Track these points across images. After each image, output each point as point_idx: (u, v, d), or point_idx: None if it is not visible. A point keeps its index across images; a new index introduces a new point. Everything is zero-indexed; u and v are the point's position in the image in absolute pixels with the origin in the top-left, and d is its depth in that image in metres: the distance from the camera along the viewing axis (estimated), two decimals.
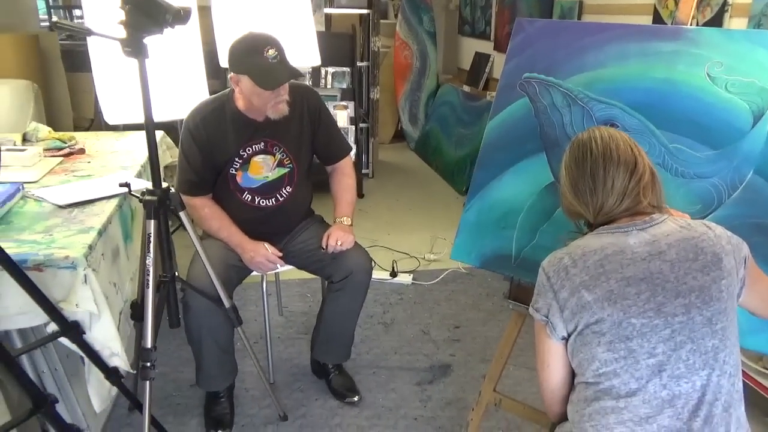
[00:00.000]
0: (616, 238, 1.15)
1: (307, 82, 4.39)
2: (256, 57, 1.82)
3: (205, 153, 1.99)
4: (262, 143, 2.03)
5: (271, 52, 1.83)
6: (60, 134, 2.42)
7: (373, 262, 3.20)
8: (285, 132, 2.04)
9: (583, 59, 1.76)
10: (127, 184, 1.61)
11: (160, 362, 2.28)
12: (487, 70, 5.32)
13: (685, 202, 1.58)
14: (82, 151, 2.37)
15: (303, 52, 3.18)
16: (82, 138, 2.53)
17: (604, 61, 1.73)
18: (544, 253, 1.34)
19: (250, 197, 2.06)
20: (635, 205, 1.18)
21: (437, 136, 5.50)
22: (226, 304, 1.85)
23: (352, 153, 4.41)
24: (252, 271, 2.12)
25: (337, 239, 2.05)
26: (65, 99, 3.61)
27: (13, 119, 2.77)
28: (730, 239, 1.15)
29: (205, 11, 3.08)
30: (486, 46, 5.50)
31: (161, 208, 1.62)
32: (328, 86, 4.54)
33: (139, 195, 1.62)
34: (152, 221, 1.60)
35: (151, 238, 1.59)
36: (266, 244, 2.06)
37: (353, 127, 4.47)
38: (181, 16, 1.48)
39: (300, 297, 3.00)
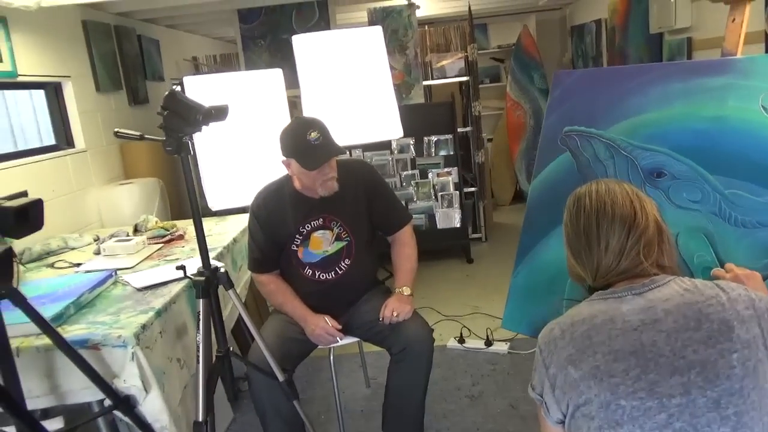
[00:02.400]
0: (609, 305, 1.01)
1: (411, 153, 4.50)
2: (301, 140, 1.94)
3: (267, 231, 2.12)
4: (321, 219, 2.12)
5: (314, 134, 1.94)
6: (164, 223, 2.74)
7: (467, 332, 3.14)
8: (341, 207, 2.11)
9: (625, 106, 1.63)
10: (182, 267, 1.77)
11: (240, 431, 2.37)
12: None
13: (749, 256, 1.35)
14: (181, 236, 2.66)
15: (386, 126, 3.30)
16: (184, 225, 2.84)
17: (647, 105, 1.59)
18: None
19: (311, 272, 2.14)
20: (635, 266, 1.03)
21: None
22: (280, 377, 1.91)
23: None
24: (317, 344, 2.17)
25: (393, 310, 2.04)
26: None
27: (140, 213, 3.19)
28: (752, 303, 0.94)
29: (295, 101, 3.36)
30: None
31: (209, 287, 1.74)
32: (432, 155, 4.61)
33: (190, 276, 1.76)
34: (201, 300, 1.72)
35: (201, 316, 1.71)
36: (327, 318, 2.10)
37: (457, 192, 4.46)
38: (212, 115, 1.64)
39: None
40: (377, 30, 3.39)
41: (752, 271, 1.21)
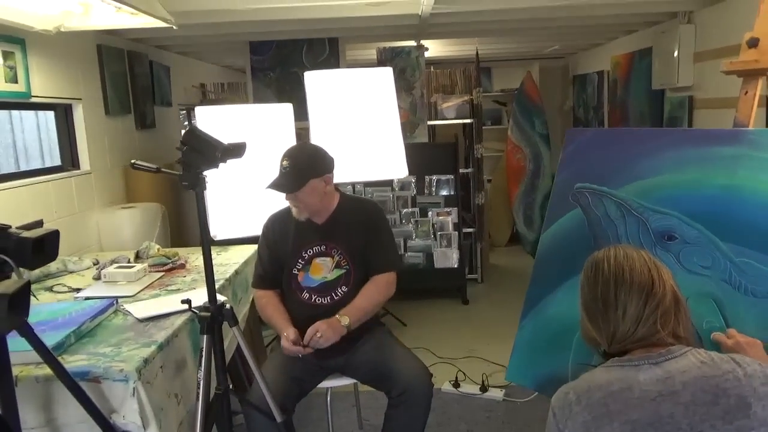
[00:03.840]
0: (625, 373, 1.02)
1: (412, 190, 4.53)
2: (279, 162, 2.05)
3: (272, 250, 2.18)
4: (324, 246, 2.14)
5: (285, 162, 2.04)
6: (166, 251, 2.73)
7: (462, 376, 3.12)
8: (344, 236, 2.15)
9: (638, 167, 1.66)
10: (188, 301, 1.76)
11: None
12: None
13: (757, 326, 1.36)
14: (182, 266, 2.64)
15: (392, 165, 3.33)
16: (186, 253, 2.82)
17: (660, 168, 1.62)
18: None
19: (308, 295, 2.14)
20: (652, 335, 1.04)
21: None
22: (278, 418, 1.88)
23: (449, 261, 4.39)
24: (316, 385, 2.15)
25: (318, 330, 1.96)
26: (193, 217, 4.08)
27: (140, 238, 3.18)
28: None
29: (304, 133, 3.40)
30: None
31: (214, 323, 1.73)
32: (433, 194, 4.65)
33: (195, 311, 1.75)
34: (205, 336, 1.71)
35: (203, 353, 1.70)
36: (294, 330, 2.05)
37: (456, 232, 4.48)
38: (231, 151, 1.66)
39: (383, 409, 2.92)
40: (388, 71, 3.46)
41: (754, 339, 1.23)
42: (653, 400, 0.97)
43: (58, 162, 3.31)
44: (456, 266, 4.46)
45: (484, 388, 3.03)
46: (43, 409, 1.58)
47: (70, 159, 3.31)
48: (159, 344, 1.75)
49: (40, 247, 1.29)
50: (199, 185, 1.66)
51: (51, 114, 3.28)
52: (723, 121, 3.43)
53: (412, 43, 4.70)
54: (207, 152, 1.61)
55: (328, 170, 2.12)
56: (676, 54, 3.72)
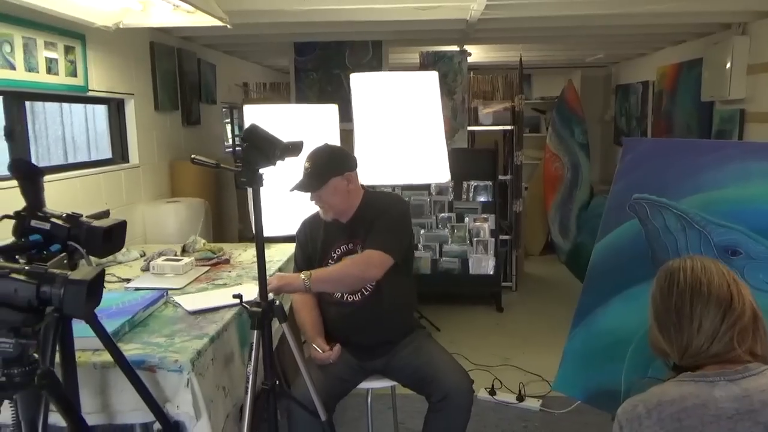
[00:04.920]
0: (699, 389, 0.99)
1: (449, 195, 4.52)
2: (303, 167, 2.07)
3: (305, 252, 2.22)
4: (351, 244, 2.15)
5: (306, 164, 2.05)
6: (212, 246, 2.77)
7: (498, 384, 3.09)
8: (367, 231, 2.11)
9: (699, 179, 1.63)
10: (239, 296, 1.79)
11: None
12: None
13: None
14: (227, 261, 2.68)
15: (434, 169, 3.33)
16: (231, 249, 2.87)
17: (723, 181, 1.58)
18: None
19: (339, 295, 2.15)
20: (727, 351, 1.01)
21: (589, 249, 5.19)
22: (322, 417, 1.89)
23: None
24: (357, 384, 2.16)
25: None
26: (233, 213, 4.14)
27: (185, 232, 3.24)
28: None
29: (348, 134, 3.42)
30: None
31: (265, 319, 1.75)
32: (470, 199, 4.63)
33: (247, 307, 1.77)
34: (256, 331, 1.73)
35: (254, 347, 1.72)
36: (321, 340, 2.09)
37: (493, 239, 4.45)
38: (290, 150, 1.68)
39: (419, 413, 2.88)
40: (433, 75, 3.46)
41: None
42: (730, 418, 0.94)
43: (103, 155, 3.39)
44: (492, 273, 4.42)
45: (520, 398, 2.99)
46: (99, 394, 1.62)
47: (120, 152, 3.39)
48: (211, 337, 1.78)
49: (109, 237, 1.32)
50: (256, 182, 1.69)
51: (99, 108, 3.37)
52: None
53: (455, 48, 4.69)
54: (267, 150, 1.64)
55: (350, 168, 2.12)
56: (728, 65, 3.64)
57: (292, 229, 2.82)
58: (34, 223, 1.27)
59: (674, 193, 1.66)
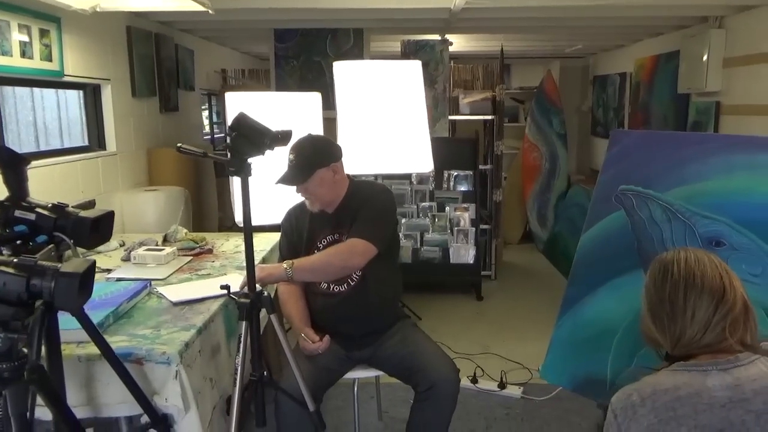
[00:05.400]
0: (693, 378, 1.02)
1: (430, 185, 4.53)
2: (287, 159, 2.04)
3: (291, 243, 2.20)
4: (336, 234, 2.13)
5: (291, 156, 2.02)
6: (194, 235, 2.73)
7: (480, 372, 3.13)
8: (351, 220, 2.11)
9: (684, 171, 1.66)
10: (227, 287, 1.77)
11: None
12: None
13: None
14: (210, 251, 2.65)
15: (417, 159, 3.33)
16: (213, 238, 2.83)
17: (707, 173, 1.62)
18: None
19: (325, 285, 2.14)
20: (719, 342, 1.04)
21: (566, 238, 5.30)
22: (310, 407, 1.89)
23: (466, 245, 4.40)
24: (343, 374, 2.16)
25: None
26: (213, 201, 4.08)
27: (165, 221, 3.19)
28: None
29: (330, 122, 3.39)
30: None
31: (253, 310, 1.74)
32: (451, 188, 4.64)
33: (235, 297, 1.76)
34: (244, 322, 1.72)
35: (242, 338, 1.70)
36: (310, 330, 2.08)
37: (473, 228, 4.48)
38: (279, 139, 1.66)
39: (403, 402, 2.93)
40: (417, 64, 3.45)
41: None
42: (723, 406, 0.97)
43: (75, 142, 3.29)
44: (472, 262, 4.46)
45: (502, 385, 3.03)
46: (84, 387, 1.59)
47: (96, 139, 3.31)
48: (198, 328, 1.75)
49: (96, 227, 1.30)
50: (245, 171, 1.66)
51: (71, 93, 3.27)
52: (750, 128, 3.42)
53: (437, 37, 4.68)
54: (256, 139, 1.62)
55: (335, 159, 2.11)
56: (705, 58, 3.70)
57: (277, 219, 2.79)
58: (18, 213, 1.23)
59: (659, 185, 1.69)
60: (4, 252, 1.21)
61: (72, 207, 1.31)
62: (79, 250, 1.34)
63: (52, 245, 1.21)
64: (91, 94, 3.28)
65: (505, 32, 4.76)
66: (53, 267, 1.02)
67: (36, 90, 3.20)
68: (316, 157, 2.06)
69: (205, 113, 5.47)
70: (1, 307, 0.98)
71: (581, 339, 1.73)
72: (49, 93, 3.32)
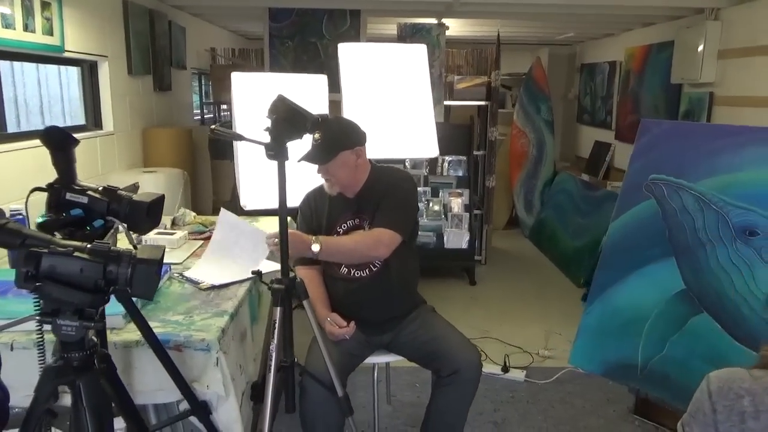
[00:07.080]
0: None
1: (424, 170, 4.54)
2: (311, 137, 1.98)
3: (309, 223, 2.17)
4: (357, 219, 2.13)
5: (317, 135, 1.97)
6: (203, 219, 2.68)
7: (483, 356, 3.18)
8: (373, 206, 2.10)
9: (716, 162, 1.69)
10: (258, 272, 1.74)
11: None
12: (607, 159, 5.21)
13: None
14: None
15: (423, 144, 3.32)
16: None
17: (740, 164, 1.65)
18: (674, 366, 1.25)
19: (346, 270, 2.13)
20: None
21: (553, 224, 5.38)
22: (339, 392, 1.89)
23: (468, 240, 4.44)
24: (364, 359, 2.16)
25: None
26: (208, 184, 4.01)
27: (166, 204, 3.11)
28: None
29: (335, 105, 3.35)
30: (607, 135, 5.42)
31: (288, 296, 1.72)
32: (445, 173, 4.66)
33: (268, 283, 1.73)
34: (279, 308, 1.70)
35: (276, 325, 1.69)
36: (335, 315, 2.07)
37: (467, 214, 4.51)
38: (319, 123, 1.63)
39: (409, 386, 2.97)
40: (422, 48, 3.42)
41: None
42: None
43: (56, 120, 3.14)
44: (466, 248, 4.49)
45: (505, 369, 3.09)
46: (120, 374, 1.55)
47: (93, 118, 3.20)
48: (231, 314, 1.73)
49: (149, 212, 1.26)
50: (283, 155, 1.63)
51: (53, 68, 3.12)
52: (744, 119, 3.51)
53: (434, 20, 4.65)
54: (297, 122, 1.59)
55: (360, 143, 2.09)
56: (700, 49, 3.78)
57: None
58: (69, 196, 1.19)
59: (691, 175, 1.72)
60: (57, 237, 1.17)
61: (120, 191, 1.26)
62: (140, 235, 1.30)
63: (113, 230, 1.17)
64: (88, 71, 3.16)
65: (501, 17, 4.76)
66: (128, 253, 0.99)
67: (17, 65, 3.05)
68: (341, 138, 2.04)
69: (195, 93, 5.34)
70: (79, 294, 0.94)
71: (612, 325, 1.76)
72: (30, 68, 3.16)
